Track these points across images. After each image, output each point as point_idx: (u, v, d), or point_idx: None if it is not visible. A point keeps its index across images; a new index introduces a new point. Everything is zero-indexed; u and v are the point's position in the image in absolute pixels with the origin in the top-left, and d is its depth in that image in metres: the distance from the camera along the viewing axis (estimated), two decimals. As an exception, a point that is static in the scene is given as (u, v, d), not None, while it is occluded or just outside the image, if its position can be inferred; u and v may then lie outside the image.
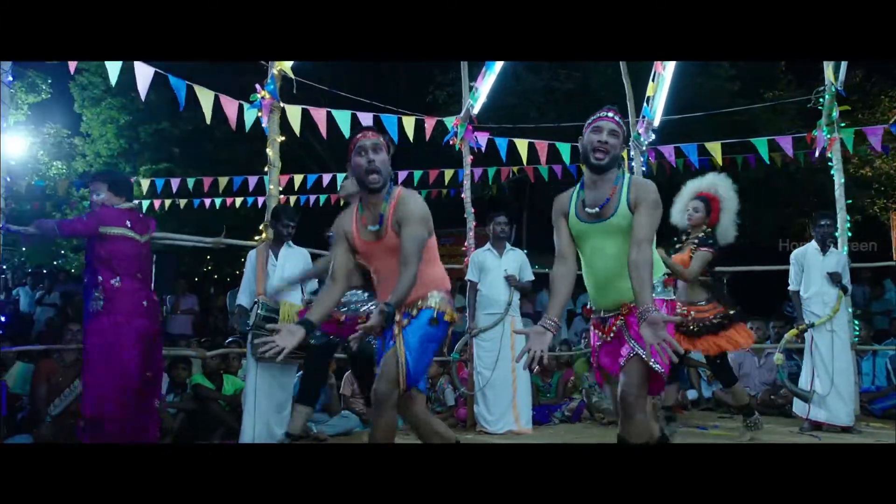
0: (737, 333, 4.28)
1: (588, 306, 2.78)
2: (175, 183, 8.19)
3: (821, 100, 5.41)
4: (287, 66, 4.52)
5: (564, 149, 5.99)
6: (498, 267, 5.13)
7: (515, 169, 8.39)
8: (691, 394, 6.31)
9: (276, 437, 4.21)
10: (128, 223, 3.77)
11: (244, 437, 4.14)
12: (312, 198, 9.40)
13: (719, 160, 5.93)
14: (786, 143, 5.81)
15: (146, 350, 3.77)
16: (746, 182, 10.24)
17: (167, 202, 9.31)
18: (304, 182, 8.38)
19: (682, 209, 4.43)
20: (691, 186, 4.50)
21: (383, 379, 2.57)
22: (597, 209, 2.51)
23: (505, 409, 5.01)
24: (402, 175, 8.31)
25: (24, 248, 10.34)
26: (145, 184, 8.35)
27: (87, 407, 3.57)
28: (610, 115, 2.56)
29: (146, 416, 3.86)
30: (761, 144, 5.79)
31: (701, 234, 4.30)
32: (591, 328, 2.76)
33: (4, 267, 9.97)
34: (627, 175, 2.58)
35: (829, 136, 5.43)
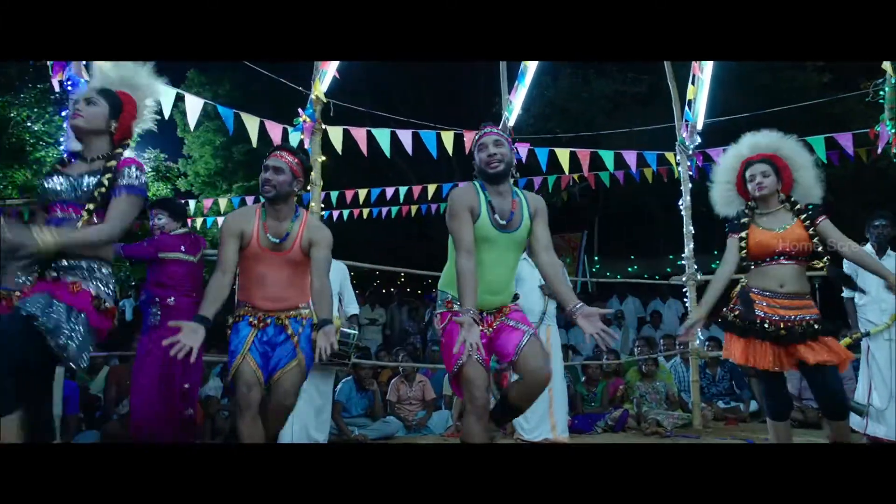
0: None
1: (451, 299, 2.80)
2: (249, 200, 8.79)
3: (881, 93, 5.08)
4: (321, 91, 4.82)
5: (608, 156, 5.93)
6: (533, 276, 5.15)
7: (577, 176, 8.33)
8: (753, 405, 6.05)
9: (314, 440, 4.49)
10: (182, 248, 4.19)
11: (283, 440, 4.43)
12: (385, 210, 9.79)
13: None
14: (846, 140, 5.47)
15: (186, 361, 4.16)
16: (831, 181, 9.63)
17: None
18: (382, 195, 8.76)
19: (730, 179, 3.39)
20: (741, 149, 3.37)
21: (293, 393, 2.94)
22: (506, 221, 2.72)
23: (541, 417, 5.02)
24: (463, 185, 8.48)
25: (128, 264, 11.40)
26: (223, 202, 8.99)
27: (133, 427, 3.96)
28: (488, 129, 2.80)
29: (182, 422, 4.25)
30: (817, 143, 5.47)
31: (803, 205, 3.20)
32: (466, 323, 2.60)
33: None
34: (517, 190, 2.81)
35: (893, 130, 5.09)
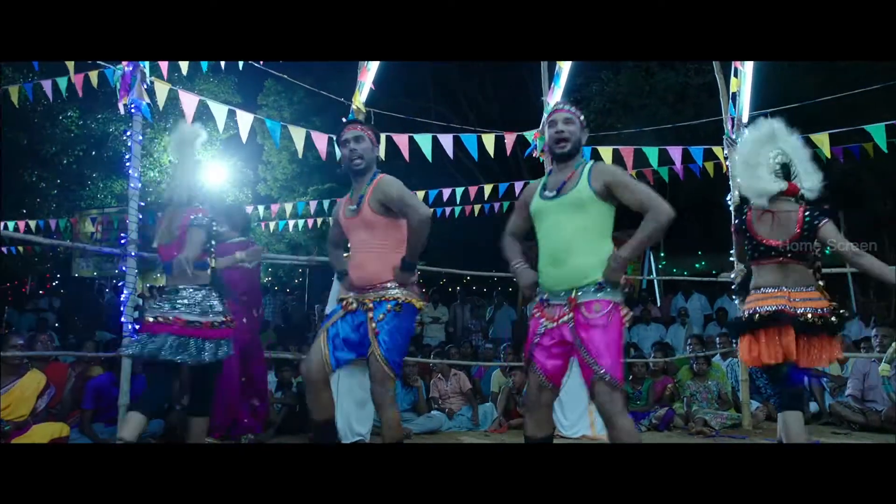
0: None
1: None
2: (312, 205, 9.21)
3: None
4: (360, 101, 5.07)
5: (652, 153, 5.86)
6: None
7: (633, 172, 8.19)
8: (812, 406, 5.81)
9: (356, 433, 4.74)
10: (237, 255, 4.53)
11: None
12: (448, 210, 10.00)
13: (827, 152, 5.41)
14: (907, 128, 5.16)
15: (247, 356, 4.53)
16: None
17: (319, 220, 10.47)
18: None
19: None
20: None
21: (376, 381, 2.93)
22: (555, 191, 2.70)
23: (580, 414, 5.08)
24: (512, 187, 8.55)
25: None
26: (288, 207, 9.49)
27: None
28: (561, 106, 2.79)
29: (247, 410, 4.63)
30: (877, 131, 5.19)
31: (809, 210, 3.24)
32: (534, 313, 2.77)
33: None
34: (590, 161, 2.74)
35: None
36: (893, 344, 4.53)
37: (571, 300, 2.60)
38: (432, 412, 5.56)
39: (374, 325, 2.93)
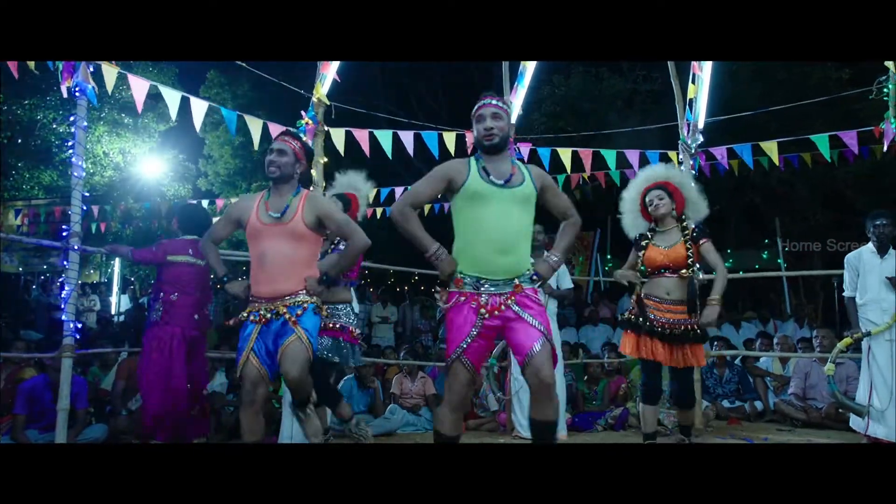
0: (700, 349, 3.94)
1: (460, 276, 2.70)
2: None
3: (885, 90, 5.01)
4: (322, 93, 4.92)
5: (610, 155, 5.94)
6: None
7: (586, 175, 8.30)
8: (757, 405, 6.01)
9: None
10: (190, 251, 4.34)
11: (282, 435, 4.54)
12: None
13: (776, 159, 5.61)
14: (850, 138, 5.38)
15: (192, 354, 4.31)
16: (848, 180, 9.48)
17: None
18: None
19: (635, 209, 4.06)
20: (639, 181, 4.10)
21: (294, 367, 2.99)
22: (503, 180, 2.70)
23: (539, 415, 5.07)
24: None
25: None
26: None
27: (146, 417, 4.10)
28: (487, 100, 2.76)
29: (192, 408, 4.41)
30: (821, 141, 5.41)
31: (692, 227, 3.91)
32: (461, 303, 2.68)
33: (133, 279, 11.35)
34: (517, 161, 2.84)
35: (897, 128, 5.01)
36: (838, 344, 4.73)
37: (518, 286, 2.68)
38: (388, 413, 5.45)
39: (293, 319, 3.02)
